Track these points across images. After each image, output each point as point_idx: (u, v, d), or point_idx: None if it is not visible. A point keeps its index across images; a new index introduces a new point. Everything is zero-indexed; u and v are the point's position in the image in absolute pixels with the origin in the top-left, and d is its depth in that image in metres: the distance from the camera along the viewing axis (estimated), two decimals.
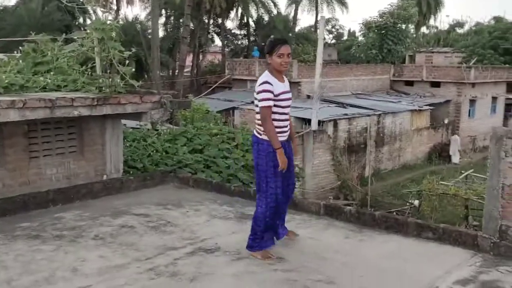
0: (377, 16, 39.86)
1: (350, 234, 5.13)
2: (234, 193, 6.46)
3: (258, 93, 4.39)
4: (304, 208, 5.80)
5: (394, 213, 15.17)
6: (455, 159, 29.69)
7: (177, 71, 32.72)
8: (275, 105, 4.38)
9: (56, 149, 7.23)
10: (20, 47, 9.14)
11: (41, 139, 7.09)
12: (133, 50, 7.89)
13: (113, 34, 7.70)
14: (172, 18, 43.71)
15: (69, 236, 4.96)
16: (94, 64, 8.26)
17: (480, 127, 33.25)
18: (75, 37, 8.61)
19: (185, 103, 7.60)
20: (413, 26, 47.43)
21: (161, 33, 42.91)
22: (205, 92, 32.32)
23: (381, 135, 27.23)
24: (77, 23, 44.47)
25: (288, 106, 4.54)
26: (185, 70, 42.75)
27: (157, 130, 12.85)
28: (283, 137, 4.47)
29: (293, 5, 47.55)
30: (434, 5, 50.96)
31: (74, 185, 6.38)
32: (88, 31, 7.76)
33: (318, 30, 21.69)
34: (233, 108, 27.68)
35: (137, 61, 38.21)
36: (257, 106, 4.46)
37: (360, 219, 5.37)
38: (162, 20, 44.31)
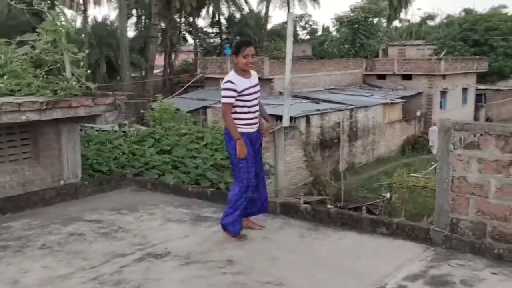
0: (348, 11, 40.06)
1: (305, 233, 5.05)
2: (191, 194, 6.34)
3: (221, 91, 4.83)
4: None
5: (365, 207, 15.22)
6: (435, 150, 29.92)
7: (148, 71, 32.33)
8: (240, 100, 4.80)
9: (9, 156, 7.01)
10: None
11: None
12: (87, 51, 7.68)
13: (65, 35, 7.50)
14: (143, 17, 43.30)
15: (14, 247, 4.79)
16: (51, 67, 8.04)
17: (452, 118, 33.38)
18: (28, 40, 8.36)
19: (142, 105, 7.44)
20: (384, 20, 47.85)
21: (132, 33, 42.57)
22: (178, 92, 32.07)
23: (354, 129, 27.33)
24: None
25: (255, 99, 4.93)
26: (158, 70, 42.45)
27: (124, 132, 12.68)
28: (251, 129, 4.90)
29: (265, 2, 47.44)
30: None
31: (25, 192, 6.18)
32: (40, 32, 7.55)
33: (287, 26, 21.56)
34: (205, 107, 27.50)
35: (108, 62, 37.84)
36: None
37: (316, 216, 5.30)
38: (133, 20, 43.94)
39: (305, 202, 18.17)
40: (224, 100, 4.80)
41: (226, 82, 4.81)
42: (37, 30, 7.56)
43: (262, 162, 5.28)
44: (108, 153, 9.99)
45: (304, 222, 5.32)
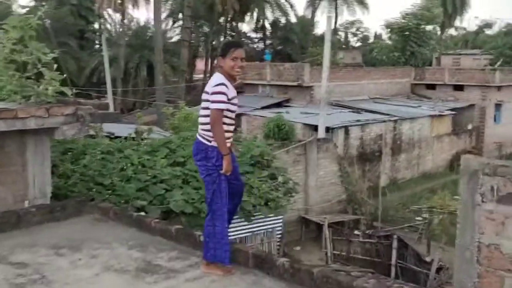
0: (399, 18, 38.25)
1: None
2: (155, 231, 5.10)
3: (212, 94, 4.11)
4: None
5: (396, 236, 13.59)
6: None
7: (186, 75, 31.52)
8: (227, 109, 4.16)
9: None
10: None
11: None
12: (56, 52, 6.62)
13: (33, 32, 6.48)
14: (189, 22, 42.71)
15: None
16: (26, 69, 7.01)
17: (507, 133, 31.21)
18: None
19: (112, 116, 6.29)
20: (438, 28, 45.59)
21: (177, 38, 41.98)
22: None
23: (398, 142, 25.53)
24: (91, 27, 43.92)
25: (235, 112, 4.33)
26: (199, 75, 41.71)
27: (143, 139, 11.75)
28: (228, 144, 4.23)
29: (311, 8, 45.99)
30: (460, 6, 48.71)
31: None
32: (6, 29, 6.55)
33: (325, 30, 20.19)
34: (240, 114, 26.34)
35: (149, 65, 37.37)
36: (205, 108, 4.19)
37: (295, 276, 3.95)
38: (180, 23, 43.33)
39: (336, 222, 16.82)
40: (217, 105, 4.09)
41: (219, 84, 4.13)
42: (3, 26, 6.56)
43: (239, 173, 4.58)
44: (115, 164, 9.06)
45: (280, 283, 3.99)
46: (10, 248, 4.77)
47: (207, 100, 4.17)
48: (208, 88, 4.20)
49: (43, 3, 40.96)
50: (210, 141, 4.15)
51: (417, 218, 17.24)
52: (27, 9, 35.35)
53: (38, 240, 4.98)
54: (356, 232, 14.73)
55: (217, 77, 4.21)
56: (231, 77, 4.25)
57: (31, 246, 4.82)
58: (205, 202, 4.45)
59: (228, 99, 4.14)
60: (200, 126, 4.26)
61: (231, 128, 4.30)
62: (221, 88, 4.10)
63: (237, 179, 4.40)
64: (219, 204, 4.12)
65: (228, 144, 4.21)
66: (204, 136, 4.20)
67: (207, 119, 4.15)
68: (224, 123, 4.15)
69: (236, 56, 4.19)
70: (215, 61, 43.20)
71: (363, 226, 17.49)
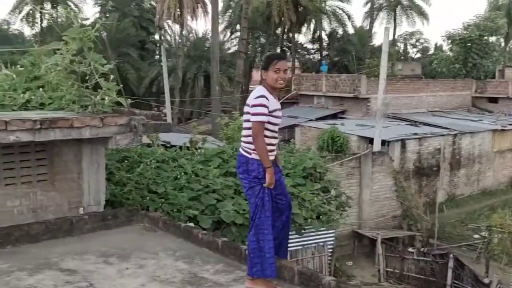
0: (461, 29, 37.20)
1: None
2: (202, 242, 5.11)
3: (252, 106, 4.12)
4: None
5: (452, 255, 13.08)
6: None
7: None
8: (268, 122, 4.12)
9: (21, 177, 6.24)
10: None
11: (1, 166, 6.13)
12: (113, 63, 6.79)
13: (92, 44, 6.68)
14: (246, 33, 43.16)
15: None
16: (87, 79, 7.25)
17: None
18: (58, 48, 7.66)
19: (165, 126, 6.37)
20: (501, 39, 44.03)
21: (234, 49, 42.44)
22: None
23: (457, 157, 24.69)
24: (152, 38, 45.13)
25: (278, 125, 4.31)
26: (255, 85, 41.96)
27: (197, 149, 11.92)
28: (272, 156, 4.22)
29: (369, 18, 45.44)
30: None
31: (5, 226, 5.28)
32: (66, 40, 6.78)
33: (383, 41, 19.83)
34: (294, 125, 26.28)
35: (206, 76, 37.95)
36: (247, 121, 4.23)
37: None
38: (237, 35, 43.89)
39: (390, 238, 16.41)
40: (258, 118, 4.07)
41: (259, 96, 4.11)
42: (63, 38, 6.80)
43: (287, 192, 4.47)
44: (169, 172, 9.25)
45: None
46: (61, 254, 4.90)
47: (248, 113, 4.19)
48: (249, 100, 4.21)
49: (107, 15, 42.55)
50: (250, 154, 4.15)
51: (475, 237, 16.55)
52: (90, 21, 36.79)
53: (88, 248, 5.09)
54: (410, 249, 14.29)
55: (258, 90, 4.22)
56: (274, 90, 4.24)
57: (81, 253, 4.93)
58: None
59: (269, 112, 4.12)
60: (242, 139, 4.28)
61: (274, 141, 4.27)
62: (261, 101, 4.09)
63: (283, 194, 4.34)
64: (262, 218, 4.07)
65: (272, 157, 4.19)
66: (245, 148, 4.20)
67: (248, 132, 4.16)
68: (266, 136, 4.13)
69: (279, 67, 4.18)
70: None
71: (418, 243, 16.98)
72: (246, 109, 4.24)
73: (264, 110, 4.07)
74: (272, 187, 4.12)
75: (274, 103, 4.18)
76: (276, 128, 4.25)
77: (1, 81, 7.46)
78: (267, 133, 4.14)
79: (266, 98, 4.10)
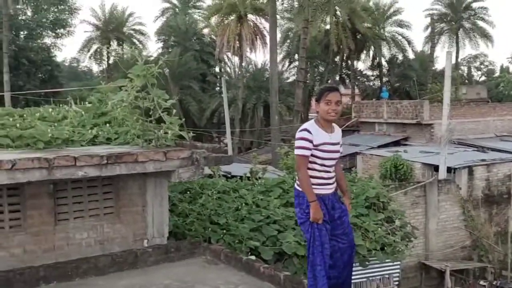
0: None
1: None
2: (264, 276, 5.08)
3: (296, 139, 4.19)
4: None
5: None
6: None
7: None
8: (314, 156, 4.11)
9: (89, 211, 6.47)
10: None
11: (71, 199, 6.38)
12: (176, 98, 6.99)
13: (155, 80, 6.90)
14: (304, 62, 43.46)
15: None
16: (150, 114, 7.49)
17: None
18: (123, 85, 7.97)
19: (226, 159, 6.44)
20: None
21: (293, 78, 42.77)
22: None
23: None
24: (212, 71, 46.23)
25: (333, 159, 4.23)
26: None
27: (257, 179, 11.97)
28: (326, 190, 4.17)
29: (430, 43, 44.65)
30: None
31: (74, 259, 5.46)
32: (131, 77, 7.05)
33: (445, 66, 19.41)
34: (356, 153, 25.92)
35: (266, 106, 38.35)
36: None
37: None
38: (296, 64, 44.24)
39: (459, 270, 15.73)
40: (297, 151, 4.14)
41: (301, 130, 4.17)
42: (128, 75, 7.07)
43: (349, 232, 4.32)
44: (230, 203, 9.33)
45: None
46: (126, 287, 5.00)
47: None
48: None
49: (170, 50, 44.00)
50: (300, 187, 4.17)
51: None
52: (154, 55, 38.18)
53: (152, 281, 5.18)
54: (482, 282, 13.63)
55: (306, 123, 4.25)
56: (326, 122, 4.20)
57: (145, 286, 5.04)
58: None
59: (314, 145, 4.09)
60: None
61: (325, 174, 4.18)
62: (302, 134, 4.11)
63: (344, 234, 4.23)
64: (315, 255, 4.00)
65: (327, 191, 4.14)
66: (297, 181, 4.24)
67: None
68: (314, 169, 4.10)
69: (330, 99, 4.16)
70: None
71: (490, 276, 16.17)
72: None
73: (305, 143, 4.07)
74: (321, 222, 4.03)
75: (322, 136, 4.14)
76: (327, 162, 4.19)
77: (71, 118, 7.83)
78: (315, 166, 4.13)
79: (309, 132, 4.10)
